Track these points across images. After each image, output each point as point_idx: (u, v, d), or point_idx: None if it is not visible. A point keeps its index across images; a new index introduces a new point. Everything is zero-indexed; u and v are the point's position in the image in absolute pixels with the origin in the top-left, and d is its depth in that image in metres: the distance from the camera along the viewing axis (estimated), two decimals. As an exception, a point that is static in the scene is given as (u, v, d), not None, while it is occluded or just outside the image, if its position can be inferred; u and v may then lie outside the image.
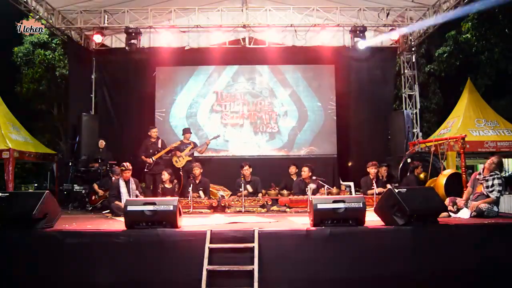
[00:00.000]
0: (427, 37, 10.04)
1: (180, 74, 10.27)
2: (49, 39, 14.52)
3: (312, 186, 7.32)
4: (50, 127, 15.61)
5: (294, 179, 7.99)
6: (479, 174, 5.74)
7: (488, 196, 5.45)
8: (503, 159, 16.58)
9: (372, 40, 9.70)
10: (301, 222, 5.21)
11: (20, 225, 4.52)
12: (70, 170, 8.69)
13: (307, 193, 6.70)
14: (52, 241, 4.44)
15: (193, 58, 10.02)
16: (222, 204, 7.21)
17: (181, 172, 8.06)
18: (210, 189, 7.93)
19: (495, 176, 5.51)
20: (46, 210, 4.63)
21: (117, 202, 6.54)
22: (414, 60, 10.41)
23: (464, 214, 5.50)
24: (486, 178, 5.56)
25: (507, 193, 6.62)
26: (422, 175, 7.34)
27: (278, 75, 10.20)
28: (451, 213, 5.64)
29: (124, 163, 6.88)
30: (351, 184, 8.84)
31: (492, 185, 5.46)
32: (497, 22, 10.52)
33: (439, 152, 7.47)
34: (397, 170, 7.99)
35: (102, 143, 8.64)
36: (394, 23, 9.23)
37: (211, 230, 4.44)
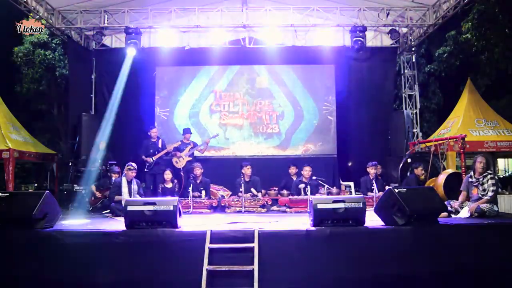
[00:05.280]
0: (427, 37, 10.02)
1: (181, 74, 10.25)
2: (49, 39, 14.46)
3: (301, 185, 7.38)
4: (50, 127, 15.54)
5: (294, 179, 7.99)
6: (471, 177, 5.74)
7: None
8: (504, 159, 16.61)
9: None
10: (301, 222, 5.20)
11: (20, 225, 4.52)
12: (70, 170, 8.69)
13: (307, 193, 6.70)
14: (52, 241, 4.45)
15: (193, 58, 10.00)
16: (222, 204, 7.22)
17: (181, 173, 8.06)
18: (210, 189, 7.94)
19: (489, 176, 5.53)
20: (46, 210, 4.63)
21: (117, 197, 6.58)
22: (414, 60, 10.40)
23: (464, 214, 5.50)
24: (481, 181, 5.57)
25: (507, 193, 6.59)
26: (422, 176, 7.33)
27: (277, 75, 10.17)
28: (451, 213, 5.65)
29: (131, 163, 6.98)
30: (351, 184, 8.84)
31: (488, 186, 5.49)
32: (497, 22, 10.48)
33: (439, 152, 7.46)
34: (397, 170, 7.98)
35: (102, 144, 8.64)
36: (394, 23, 9.23)
37: (211, 230, 4.45)
